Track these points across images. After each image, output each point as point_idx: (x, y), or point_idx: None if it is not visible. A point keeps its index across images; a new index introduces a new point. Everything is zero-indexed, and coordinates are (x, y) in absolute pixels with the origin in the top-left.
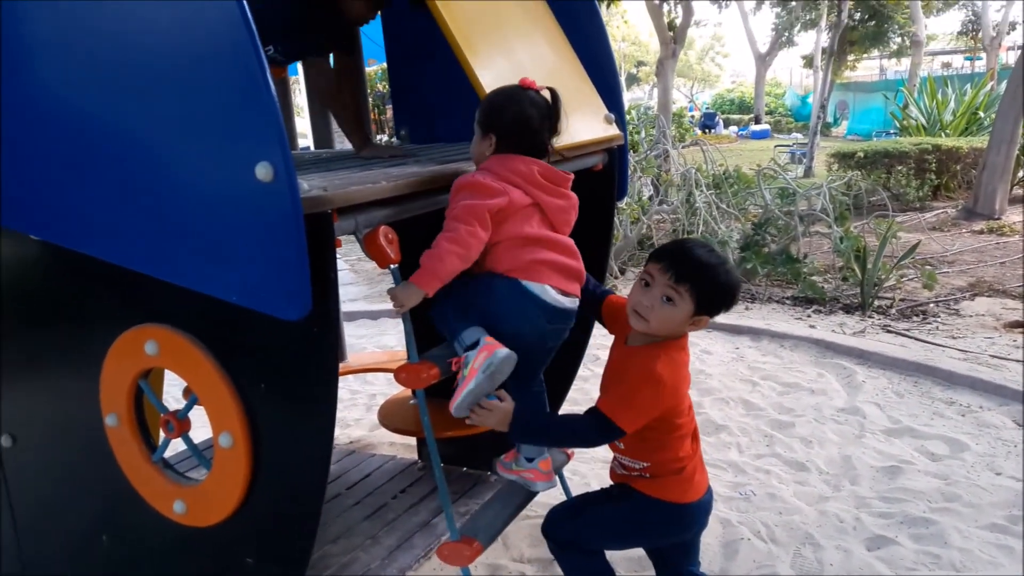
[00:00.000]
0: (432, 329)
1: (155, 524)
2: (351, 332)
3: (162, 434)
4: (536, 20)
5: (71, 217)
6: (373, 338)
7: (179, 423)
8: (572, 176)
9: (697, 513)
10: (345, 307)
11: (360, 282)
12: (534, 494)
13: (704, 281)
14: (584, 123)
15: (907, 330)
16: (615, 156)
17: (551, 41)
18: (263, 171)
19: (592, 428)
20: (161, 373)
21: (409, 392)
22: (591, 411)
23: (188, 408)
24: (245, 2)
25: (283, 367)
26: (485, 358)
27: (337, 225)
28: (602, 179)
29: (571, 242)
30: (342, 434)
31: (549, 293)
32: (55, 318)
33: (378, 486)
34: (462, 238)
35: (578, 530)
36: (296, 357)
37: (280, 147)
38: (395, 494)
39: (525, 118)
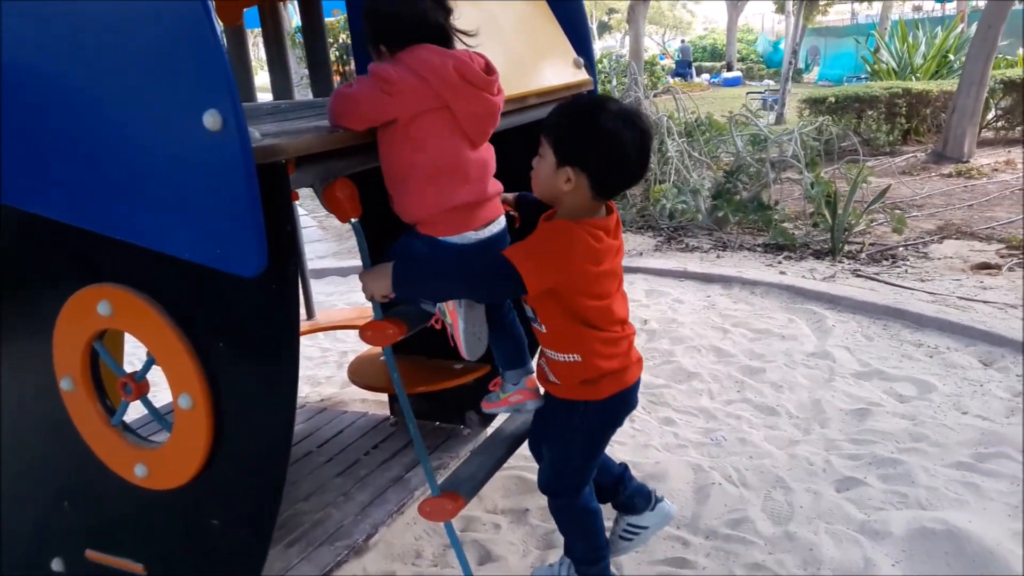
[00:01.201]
0: None
1: (117, 489)
2: (320, 289)
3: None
4: None
5: (15, 175)
6: (343, 295)
7: (137, 385)
8: (497, 75)
9: (634, 393)
10: (314, 264)
11: (329, 239)
12: (516, 445)
13: (559, 126)
14: (552, 68)
15: (877, 274)
16: None
17: None
18: (211, 119)
19: (491, 270)
20: (120, 335)
21: (379, 349)
22: (494, 257)
23: (145, 369)
24: None
25: (242, 325)
26: None
27: (293, 177)
28: None
29: (485, 158)
30: (313, 392)
31: (470, 237)
32: (4, 279)
33: (350, 443)
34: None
35: (560, 469)
36: (255, 315)
37: (229, 94)
38: (367, 450)
39: (406, 4)
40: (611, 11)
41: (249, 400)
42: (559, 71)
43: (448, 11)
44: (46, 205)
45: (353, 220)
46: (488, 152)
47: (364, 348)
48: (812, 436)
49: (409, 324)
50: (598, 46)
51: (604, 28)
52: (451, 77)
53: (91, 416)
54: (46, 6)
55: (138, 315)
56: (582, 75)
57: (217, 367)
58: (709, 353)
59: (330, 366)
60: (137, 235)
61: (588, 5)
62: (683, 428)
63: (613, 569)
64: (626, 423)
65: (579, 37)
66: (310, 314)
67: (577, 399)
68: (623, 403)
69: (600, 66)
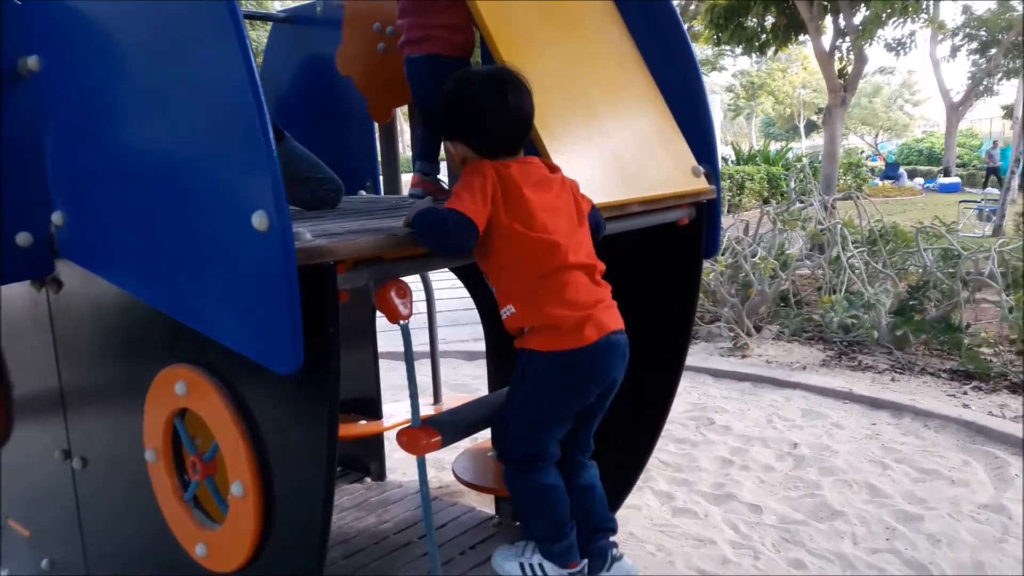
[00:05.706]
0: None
1: (185, 565)
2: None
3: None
4: (616, 55)
5: (111, 253)
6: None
7: (204, 466)
8: None
9: (594, 355)
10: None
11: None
12: None
13: (440, 110)
14: (665, 173)
15: None
16: (704, 210)
17: (631, 79)
18: (258, 220)
19: (446, 218)
20: None
21: (487, 444)
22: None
23: (213, 452)
24: (250, 50)
25: (286, 420)
26: None
27: (346, 277)
28: (688, 234)
29: None
30: (435, 477)
31: None
32: (115, 348)
33: (449, 539)
34: None
35: (507, 427)
36: (296, 411)
37: (275, 196)
38: (464, 549)
39: None
40: (819, 111)
41: (292, 496)
42: (673, 177)
43: None
44: (129, 283)
45: (402, 322)
46: None
47: None
48: None
49: (446, 434)
50: (804, 145)
51: (812, 127)
52: None
53: (168, 490)
54: (119, 90)
55: (207, 399)
56: (699, 183)
57: (269, 459)
58: (861, 490)
59: (459, 449)
60: (192, 317)
61: (796, 104)
62: None
63: None
64: (749, 562)
65: (703, 143)
66: (436, 398)
67: (524, 347)
68: (579, 365)
69: (799, 163)
